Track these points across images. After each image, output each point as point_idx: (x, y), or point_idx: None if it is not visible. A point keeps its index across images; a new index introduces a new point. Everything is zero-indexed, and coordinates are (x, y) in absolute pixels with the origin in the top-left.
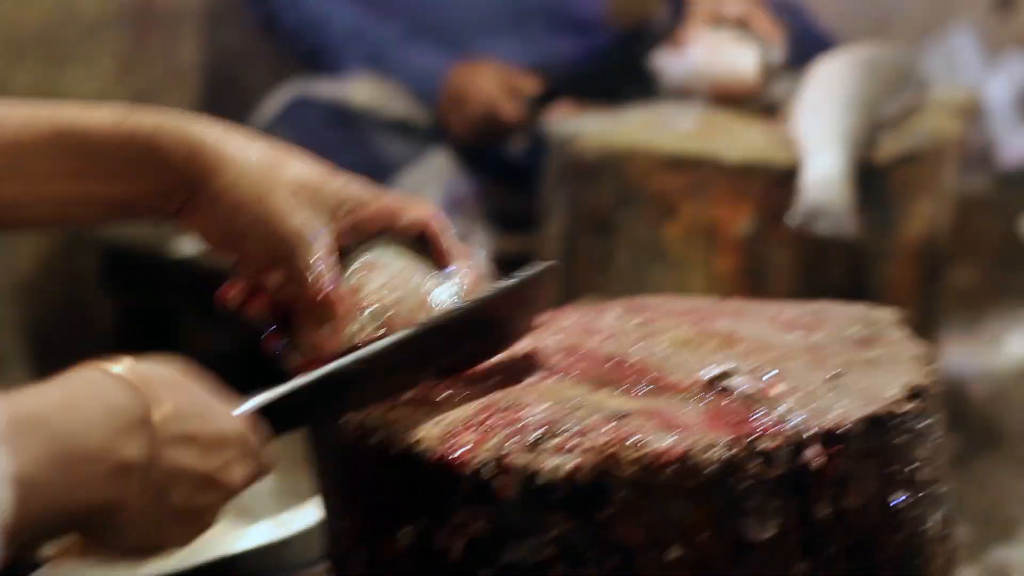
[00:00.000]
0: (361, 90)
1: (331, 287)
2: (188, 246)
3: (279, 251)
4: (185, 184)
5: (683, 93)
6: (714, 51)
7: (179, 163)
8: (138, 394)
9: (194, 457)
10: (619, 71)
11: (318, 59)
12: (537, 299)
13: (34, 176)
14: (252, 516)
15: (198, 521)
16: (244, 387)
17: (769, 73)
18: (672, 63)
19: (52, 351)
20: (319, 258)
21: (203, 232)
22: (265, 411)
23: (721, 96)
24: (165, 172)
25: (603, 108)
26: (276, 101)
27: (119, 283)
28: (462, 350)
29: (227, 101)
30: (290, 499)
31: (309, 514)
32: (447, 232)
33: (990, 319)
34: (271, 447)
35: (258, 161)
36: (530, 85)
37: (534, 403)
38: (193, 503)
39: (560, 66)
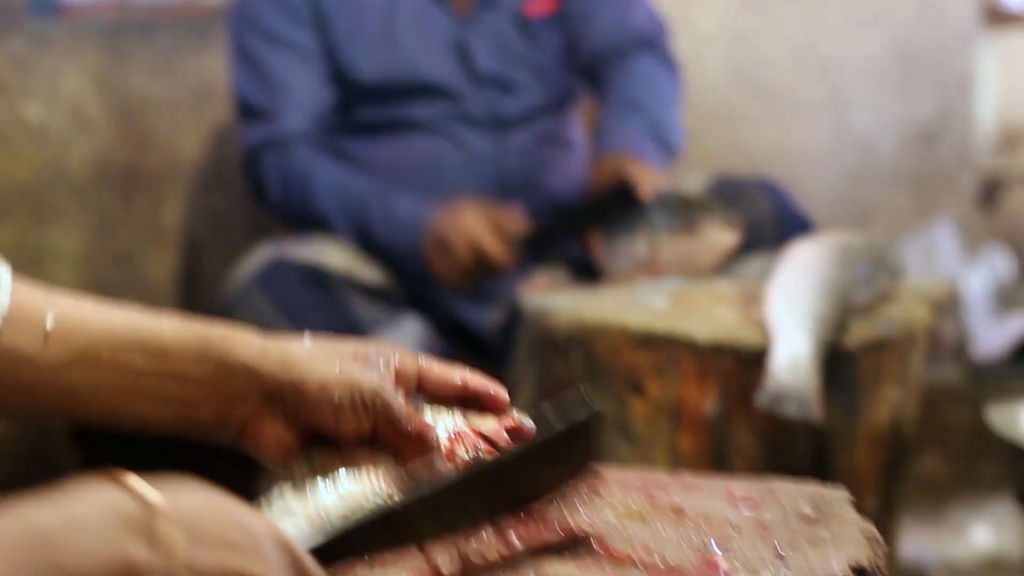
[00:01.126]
0: (336, 254)
1: (423, 423)
2: None
3: (369, 410)
4: (255, 384)
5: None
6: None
7: (250, 363)
8: (145, 499)
9: (214, 559)
10: (606, 210)
11: (305, 218)
12: (582, 447)
13: (98, 366)
14: None
15: None
16: None
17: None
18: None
19: None
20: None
21: (279, 432)
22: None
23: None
24: (232, 375)
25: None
26: (252, 262)
27: (88, 439)
28: (510, 494)
29: (208, 262)
30: None
31: None
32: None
33: (954, 509)
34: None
35: (308, 348)
36: (515, 223)
37: (481, 569)
38: None
39: (546, 211)
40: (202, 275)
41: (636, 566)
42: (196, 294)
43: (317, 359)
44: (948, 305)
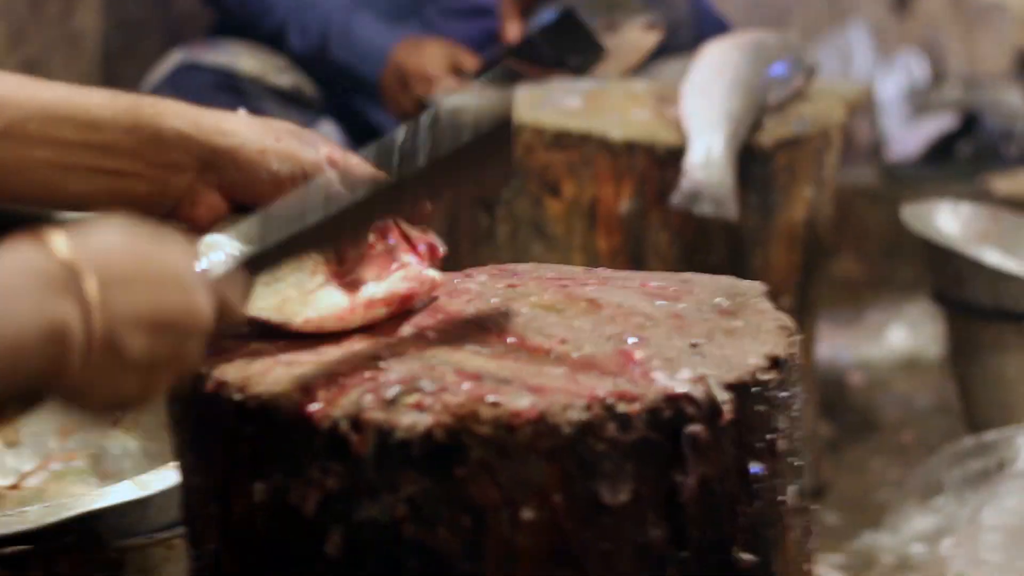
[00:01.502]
0: (248, 58)
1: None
2: None
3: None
4: (190, 152)
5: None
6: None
7: (184, 130)
8: (66, 253)
9: (141, 300)
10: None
11: (257, 26)
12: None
13: (26, 140)
14: (115, 479)
15: (169, 367)
16: None
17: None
18: None
19: None
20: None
21: (214, 203)
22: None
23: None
24: (166, 144)
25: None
26: (164, 66)
27: None
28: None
29: (121, 69)
30: (154, 463)
31: (172, 473)
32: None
33: (871, 310)
34: (242, 286)
35: (244, 119)
36: (471, 63)
37: (393, 360)
38: (155, 349)
39: (498, 46)
40: (116, 83)
41: (551, 358)
42: None
43: (253, 129)
44: (863, 107)
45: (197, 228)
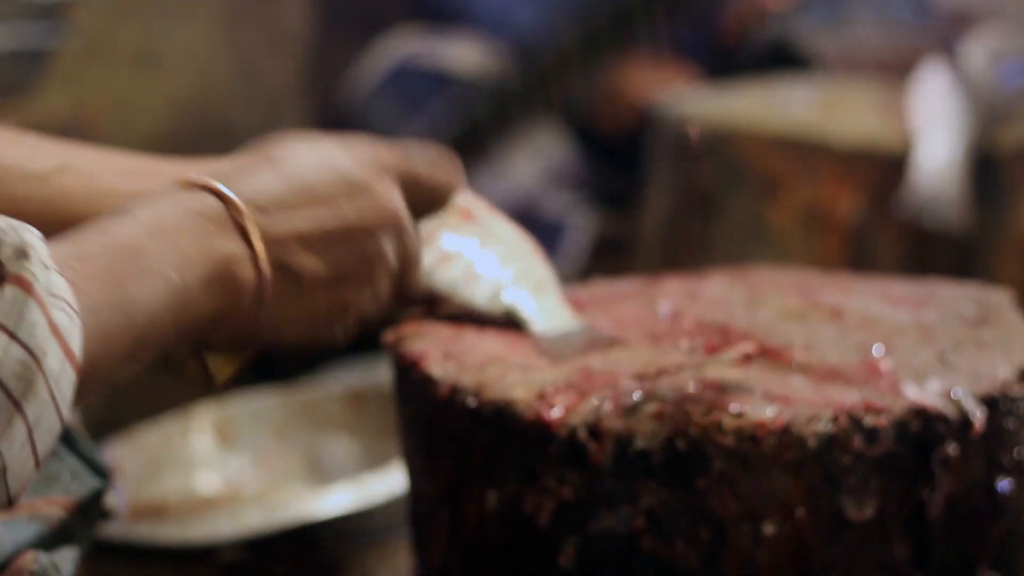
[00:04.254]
0: (464, 55)
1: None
2: None
3: None
4: None
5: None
6: None
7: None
8: (219, 193)
9: (305, 220)
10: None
11: (439, 17)
12: None
13: (89, 172)
14: (331, 480)
15: (370, 268)
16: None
17: None
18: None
19: None
20: None
21: None
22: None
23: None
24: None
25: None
26: (377, 65)
27: None
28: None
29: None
30: (371, 465)
31: (390, 478)
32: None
33: None
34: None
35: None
36: (682, 77)
37: (634, 367)
38: (338, 258)
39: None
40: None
41: (795, 367)
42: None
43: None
44: None
45: None
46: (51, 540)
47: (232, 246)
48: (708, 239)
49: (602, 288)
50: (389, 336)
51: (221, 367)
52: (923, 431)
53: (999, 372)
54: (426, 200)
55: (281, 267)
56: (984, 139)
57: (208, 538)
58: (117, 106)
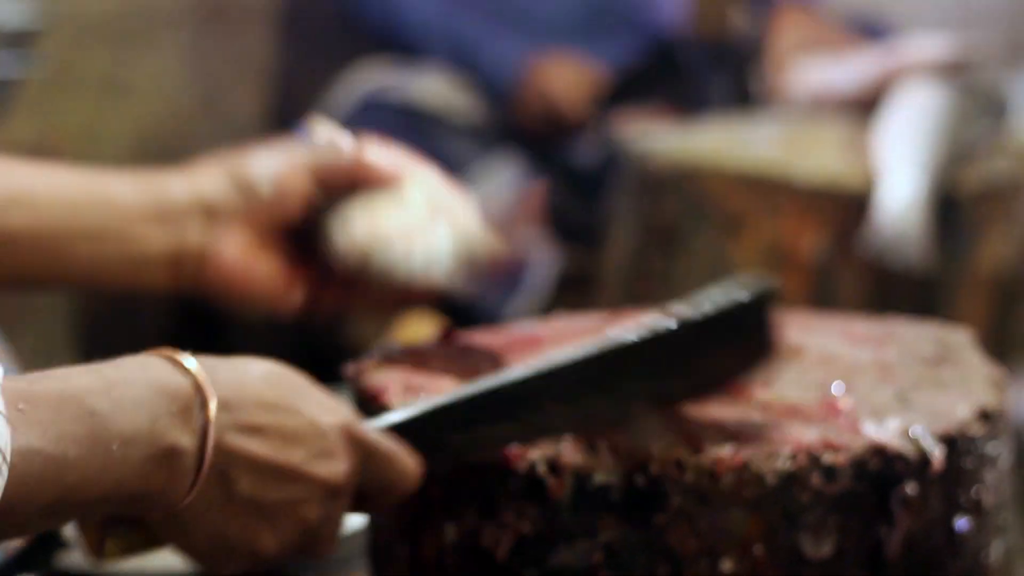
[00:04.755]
0: (431, 90)
1: None
2: None
3: None
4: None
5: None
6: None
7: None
8: (195, 380)
9: (262, 446)
10: (701, 79)
11: (397, 50)
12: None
13: (34, 207)
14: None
15: (291, 520)
16: None
17: None
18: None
19: (101, 340)
20: None
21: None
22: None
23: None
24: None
25: (676, 117)
26: (345, 98)
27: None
28: (657, 384)
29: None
30: None
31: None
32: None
33: None
34: (404, 458)
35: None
36: (599, 85)
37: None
38: (271, 497)
39: (635, 70)
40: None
41: (754, 404)
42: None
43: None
44: None
45: (230, 280)
46: (9, 569)
47: (186, 438)
48: (671, 274)
49: (562, 323)
50: (349, 369)
51: (113, 546)
52: (882, 469)
53: (958, 411)
54: (377, 487)
55: (220, 476)
56: (947, 178)
57: (168, 570)
58: (83, 134)
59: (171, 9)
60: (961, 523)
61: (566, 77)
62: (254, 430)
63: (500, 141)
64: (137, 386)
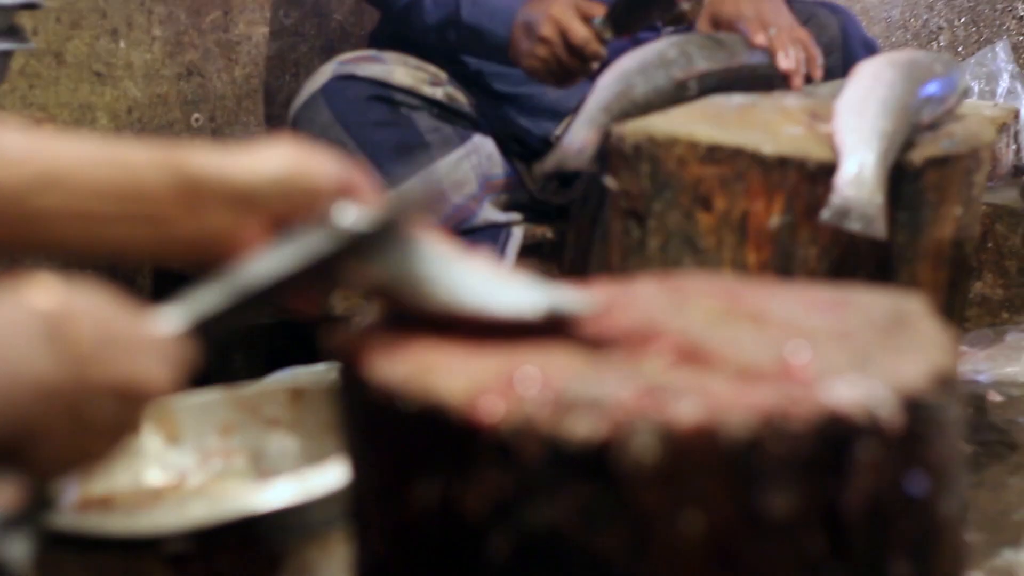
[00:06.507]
0: (402, 70)
1: None
2: None
3: None
4: (229, 193)
5: None
6: None
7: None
8: (53, 319)
9: (119, 366)
10: None
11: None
12: None
13: (65, 189)
14: (274, 477)
15: (120, 432)
16: (279, 360)
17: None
18: None
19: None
20: None
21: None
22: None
23: None
24: (201, 188)
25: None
26: (318, 77)
27: None
28: None
29: (278, 77)
30: (313, 461)
31: (331, 473)
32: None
33: (1010, 330)
34: (189, 349)
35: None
36: (598, 9)
37: (563, 366)
38: (113, 416)
39: None
40: (272, 92)
41: (715, 368)
42: (267, 109)
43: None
44: (1006, 128)
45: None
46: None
47: (53, 373)
48: (639, 244)
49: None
50: (331, 336)
51: None
52: (839, 432)
53: (914, 375)
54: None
55: (86, 404)
56: (903, 149)
57: (154, 529)
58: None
59: None
60: (917, 483)
61: (563, 4)
62: (111, 347)
63: (471, 121)
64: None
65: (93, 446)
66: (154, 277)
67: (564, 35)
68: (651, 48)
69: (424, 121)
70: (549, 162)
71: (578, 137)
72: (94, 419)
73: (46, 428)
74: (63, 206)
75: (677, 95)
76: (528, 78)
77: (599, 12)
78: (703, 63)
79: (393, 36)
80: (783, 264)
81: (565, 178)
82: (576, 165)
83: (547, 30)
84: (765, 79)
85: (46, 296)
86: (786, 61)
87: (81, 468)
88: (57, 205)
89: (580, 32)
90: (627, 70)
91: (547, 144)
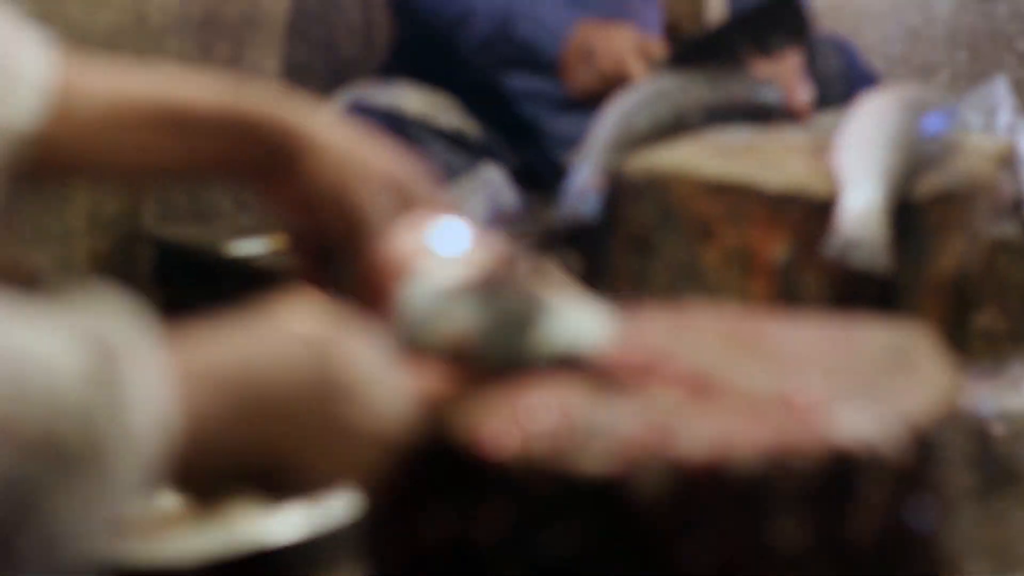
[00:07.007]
0: (414, 99)
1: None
2: (244, 247)
3: (349, 229)
4: (275, 162)
5: None
6: None
7: (273, 144)
8: (317, 354)
9: (356, 415)
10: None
11: (446, 18)
12: None
13: (123, 124)
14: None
15: (350, 474)
16: None
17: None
18: None
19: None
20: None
21: (283, 203)
22: None
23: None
24: (258, 148)
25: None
26: (332, 107)
27: (173, 279)
28: None
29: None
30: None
31: (345, 503)
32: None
33: (1013, 362)
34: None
35: (346, 151)
36: (660, 50)
37: (572, 398)
38: (351, 457)
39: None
40: None
41: (720, 401)
42: None
43: (341, 167)
44: (1006, 163)
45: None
46: None
47: (313, 411)
48: (644, 277)
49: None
50: None
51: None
52: (846, 465)
53: (918, 407)
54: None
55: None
56: (906, 185)
57: (167, 558)
58: None
59: (163, 23)
60: (922, 515)
61: (626, 39)
62: (356, 396)
63: (483, 150)
64: (274, 363)
65: (323, 479)
66: (154, 277)
67: (622, 74)
68: (649, 83)
69: (436, 150)
70: (559, 218)
71: (581, 180)
72: (333, 455)
73: (294, 456)
74: (75, 140)
75: (677, 128)
76: (564, 103)
77: (658, 52)
78: (704, 95)
79: (404, 68)
80: (787, 297)
81: (574, 236)
82: (584, 210)
83: (607, 65)
84: (765, 111)
85: (311, 324)
86: (802, 96)
87: (304, 494)
88: (67, 138)
89: (640, 76)
90: (626, 107)
91: (560, 175)
